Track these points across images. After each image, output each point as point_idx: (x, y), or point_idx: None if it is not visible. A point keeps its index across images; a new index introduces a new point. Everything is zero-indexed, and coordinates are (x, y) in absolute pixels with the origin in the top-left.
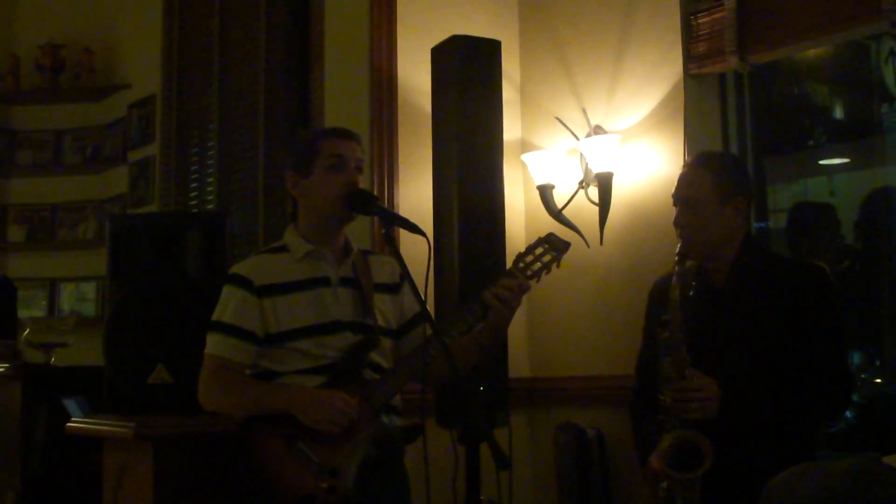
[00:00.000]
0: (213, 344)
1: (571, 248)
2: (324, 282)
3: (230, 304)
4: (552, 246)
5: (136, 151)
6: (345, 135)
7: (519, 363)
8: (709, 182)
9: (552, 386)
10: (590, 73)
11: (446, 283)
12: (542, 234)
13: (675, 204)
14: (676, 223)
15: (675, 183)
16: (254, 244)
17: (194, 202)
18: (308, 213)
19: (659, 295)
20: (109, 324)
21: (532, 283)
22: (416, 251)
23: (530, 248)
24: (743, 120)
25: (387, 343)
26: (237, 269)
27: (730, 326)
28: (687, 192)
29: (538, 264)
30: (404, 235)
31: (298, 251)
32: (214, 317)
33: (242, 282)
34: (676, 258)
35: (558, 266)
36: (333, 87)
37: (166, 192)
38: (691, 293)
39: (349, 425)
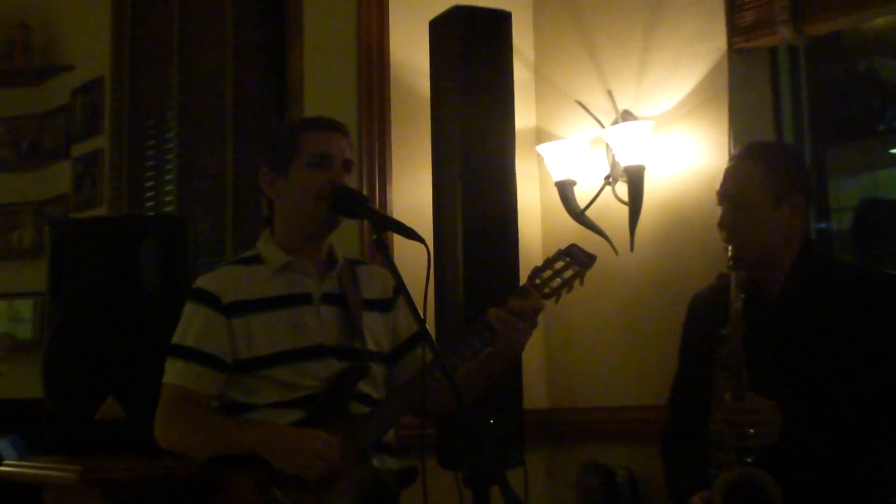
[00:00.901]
0: (173, 372)
1: (598, 256)
2: (304, 299)
3: (193, 325)
4: (574, 259)
5: (80, 145)
6: (330, 126)
7: (535, 392)
8: (761, 177)
9: (574, 419)
10: (616, 48)
11: (448, 299)
12: (563, 243)
13: (720, 203)
14: (722, 226)
15: (721, 178)
16: (221, 254)
17: (150, 204)
18: (286, 217)
19: (700, 310)
20: (49, 348)
21: (549, 302)
22: (412, 260)
23: (549, 262)
24: (798, 103)
25: (378, 370)
26: (201, 282)
27: (786, 346)
28: (735, 190)
29: (557, 281)
30: (399, 242)
31: (274, 262)
32: (174, 340)
33: (207, 298)
34: (731, 263)
35: (581, 283)
36: (315, 69)
37: (117, 192)
38: (740, 304)
39: (330, 470)
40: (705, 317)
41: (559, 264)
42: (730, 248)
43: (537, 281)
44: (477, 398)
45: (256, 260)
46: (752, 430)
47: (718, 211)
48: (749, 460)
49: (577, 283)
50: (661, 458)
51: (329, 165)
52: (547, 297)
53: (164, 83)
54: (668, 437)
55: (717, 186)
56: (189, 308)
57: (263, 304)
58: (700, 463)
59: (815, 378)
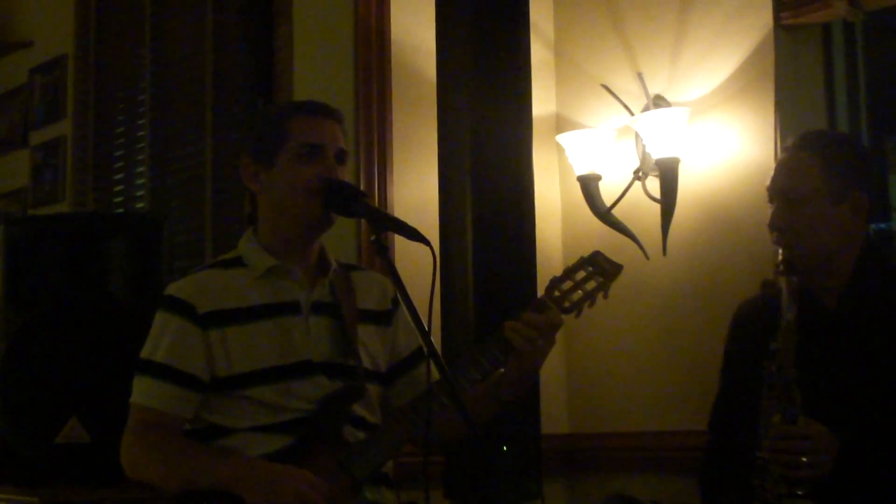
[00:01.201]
0: (141, 391)
1: (625, 262)
2: (291, 308)
3: (164, 338)
4: (598, 269)
5: (40, 132)
6: (322, 112)
7: (555, 416)
8: (818, 171)
9: (598, 445)
10: (648, 25)
11: (456, 309)
12: (586, 245)
13: (770, 200)
14: (773, 226)
15: (770, 172)
16: (199, 256)
17: (119, 200)
18: (271, 215)
19: (746, 323)
20: (3, 362)
21: (569, 317)
22: (416, 265)
23: (569, 272)
24: (855, 86)
25: (374, 391)
26: (174, 289)
27: (844, 364)
28: (789, 185)
29: (578, 293)
30: (401, 244)
31: (258, 267)
32: (143, 354)
33: (180, 307)
34: (780, 268)
35: (606, 296)
36: (305, 48)
37: (81, 186)
38: (792, 315)
39: None
40: (752, 331)
41: (581, 274)
42: (780, 251)
43: (556, 293)
44: (485, 426)
45: (237, 263)
46: (804, 459)
47: (765, 209)
48: (800, 493)
49: (600, 296)
50: (699, 489)
51: (321, 157)
52: (566, 311)
53: (135, 62)
54: (707, 466)
55: (762, 181)
56: (160, 318)
57: (244, 314)
58: (744, 495)
59: (876, 400)
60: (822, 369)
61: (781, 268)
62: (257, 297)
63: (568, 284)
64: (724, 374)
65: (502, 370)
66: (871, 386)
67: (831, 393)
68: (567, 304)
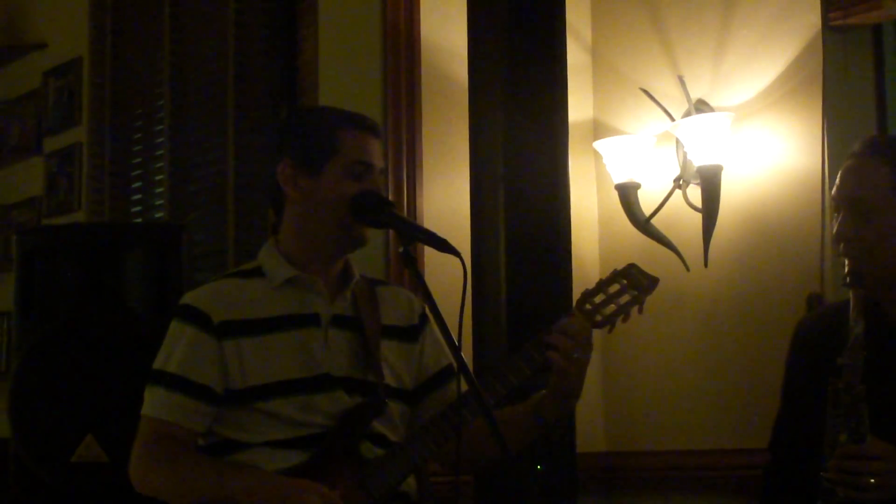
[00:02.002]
0: (153, 403)
1: (665, 273)
2: (311, 320)
3: (178, 348)
4: (633, 283)
5: (54, 138)
6: (370, 128)
7: (591, 434)
8: (887, 178)
9: (635, 464)
10: (689, 26)
11: (488, 323)
12: (624, 255)
13: (836, 209)
14: (840, 236)
15: (838, 180)
16: (221, 267)
17: (137, 210)
18: (302, 224)
19: (808, 339)
20: (17, 379)
21: (602, 331)
22: (446, 277)
23: (602, 285)
24: None
25: (395, 409)
26: (190, 298)
27: None
28: (856, 194)
29: (612, 307)
30: (431, 255)
31: (277, 277)
32: (156, 365)
33: (195, 316)
34: (847, 280)
35: (640, 311)
36: (331, 50)
37: (98, 195)
38: (861, 329)
39: None
40: (814, 346)
41: (614, 287)
42: (847, 262)
43: (587, 306)
44: (522, 448)
45: (256, 273)
46: (871, 480)
47: (810, 218)
48: None
49: (634, 310)
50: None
51: (369, 175)
52: (598, 325)
53: (153, 65)
54: (769, 488)
55: (809, 189)
56: (174, 328)
57: (261, 325)
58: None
59: None
60: (889, 386)
61: (848, 280)
62: (275, 308)
63: (600, 297)
64: (785, 392)
65: (544, 392)
66: None
67: None
68: (599, 319)
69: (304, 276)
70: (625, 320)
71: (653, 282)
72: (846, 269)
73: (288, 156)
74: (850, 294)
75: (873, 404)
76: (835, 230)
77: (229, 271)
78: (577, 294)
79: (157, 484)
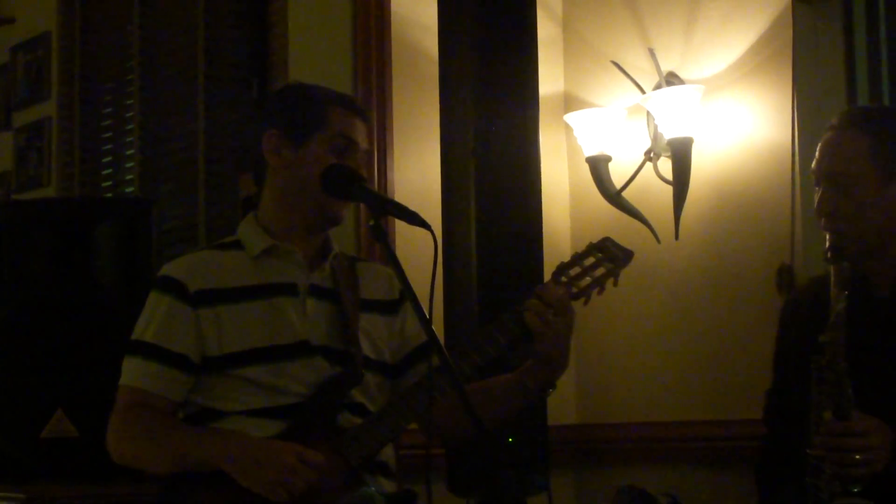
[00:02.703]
0: (130, 372)
1: (636, 246)
2: (287, 289)
3: (154, 318)
4: (608, 255)
5: (23, 112)
6: (360, 111)
7: (563, 406)
8: (867, 150)
9: (607, 436)
10: (660, 0)
11: (459, 297)
12: (595, 228)
13: (817, 183)
14: (821, 211)
15: (817, 154)
16: (192, 242)
17: (108, 184)
18: (283, 195)
19: (797, 313)
20: None
21: (577, 303)
22: (417, 251)
23: (577, 258)
24: (877, 65)
25: (374, 380)
26: (168, 269)
27: None
28: (835, 167)
29: (587, 280)
30: (402, 229)
31: (255, 247)
32: (134, 335)
33: (172, 285)
34: (829, 255)
35: (616, 283)
36: (301, 24)
37: (67, 170)
38: (843, 305)
39: (309, 491)
40: (803, 320)
41: (590, 260)
42: (828, 237)
43: (563, 279)
44: (508, 418)
45: (235, 246)
46: (857, 456)
47: (780, 191)
48: (855, 490)
49: (610, 282)
50: (756, 484)
51: (352, 152)
52: (574, 297)
53: (123, 40)
54: (764, 461)
55: (779, 162)
56: (152, 298)
57: (238, 293)
58: (801, 492)
59: None
60: (875, 360)
61: (830, 255)
62: (253, 277)
63: (576, 270)
64: (777, 366)
65: (530, 362)
66: None
67: (885, 385)
68: (575, 291)
69: (281, 246)
70: (600, 293)
71: (628, 255)
72: (827, 244)
73: (274, 126)
74: (832, 269)
75: (858, 379)
76: (816, 205)
77: (207, 245)
78: (548, 266)
79: (134, 452)
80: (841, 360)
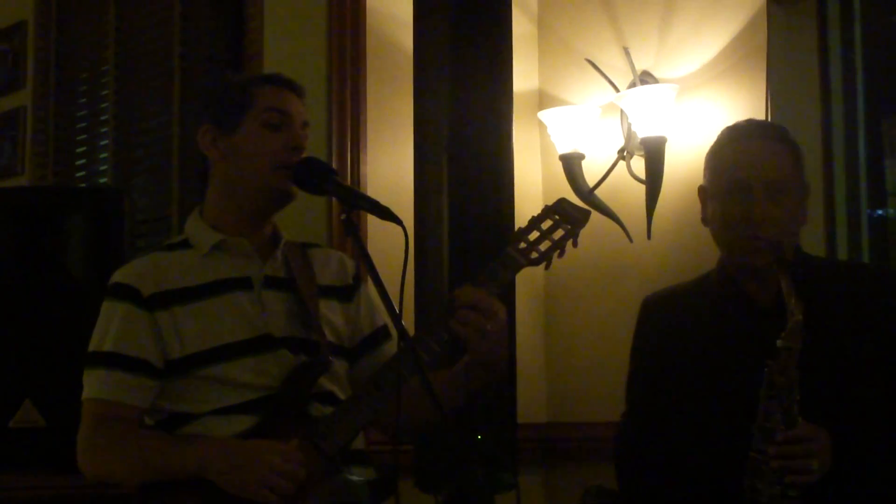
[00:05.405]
0: (93, 384)
1: (608, 245)
2: (241, 284)
3: (111, 327)
4: (565, 217)
5: None
6: (288, 85)
7: (532, 404)
8: (793, 163)
9: (578, 435)
10: None
11: (430, 292)
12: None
13: (745, 191)
14: (761, 218)
15: (744, 162)
16: (165, 233)
17: (82, 174)
18: (226, 186)
19: (661, 320)
20: None
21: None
22: (388, 245)
23: (534, 222)
24: (851, 65)
25: (340, 366)
26: (118, 276)
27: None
28: (773, 175)
29: (546, 243)
30: (373, 223)
31: (203, 244)
32: (91, 347)
33: (124, 292)
34: (776, 265)
35: (575, 244)
36: (276, 16)
37: (41, 159)
38: (798, 317)
39: (294, 489)
40: (665, 327)
41: (547, 223)
42: (762, 244)
43: (521, 245)
44: (454, 415)
45: (183, 245)
46: (814, 465)
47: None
48: (792, 494)
49: (569, 244)
50: (619, 476)
51: (288, 126)
52: (534, 262)
53: (99, 30)
54: (626, 455)
55: None
56: (106, 307)
57: (192, 292)
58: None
59: (842, 395)
60: (757, 372)
61: (777, 266)
62: (205, 275)
63: (534, 235)
64: (637, 366)
65: (466, 359)
66: (832, 381)
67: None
68: (535, 256)
69: (230, 240)
70: (560, 255)
71: (585, 214)
72: (768, 253)
73: (205, 121)
74: (781, 278)
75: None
76: (751, 212)
77: (155, 247)
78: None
79: (108, 467)
80: (794, 367)
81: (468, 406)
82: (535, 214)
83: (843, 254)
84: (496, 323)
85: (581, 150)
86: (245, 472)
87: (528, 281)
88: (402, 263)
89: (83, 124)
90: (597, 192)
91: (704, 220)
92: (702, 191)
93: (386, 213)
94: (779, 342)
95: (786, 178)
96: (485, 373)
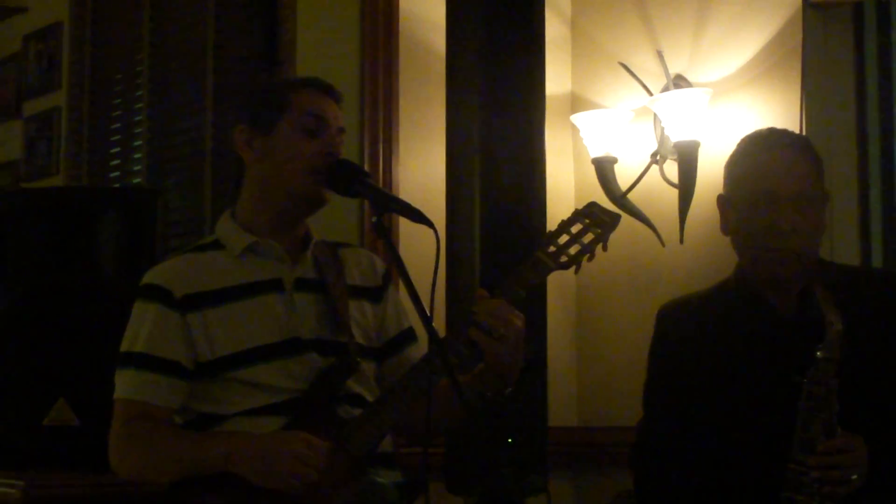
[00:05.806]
0: (125, 384)
1: (640, 249)
2: (273, 286)
3: (143, 327)
4: (595, 221)
5: (34, 101)
6: (325, 88)
7: (563, 408)
8: (816, 174)
9: (608, 439)
10: (669, 2)
11: (461, 295)
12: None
13: (774, 201)
14: (793, 229)
15: (771, 173)
16: (198, 233)
17: (116, 175)
18: (260, 188)
19: (677, 326)
20: None
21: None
22: (420, 248)
23: (564, 226)
24: (887, 68)
25: (369, 368)
26: (150, 276)
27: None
28: (801, 187)
29: (576, 247)
30: (405, 226)
31: (235, 246)
32: (123, 347)
33: (157, 293)
34: (802, 268)
35: (605, 248)
36: (310, 20)
37: (76, 159)
38: (838, 327)
39: (319, 480)
40: (683, 336)
41: (577, 227)
42: (789, 256)
43: (551, 249)
44: (459, 422)
45: (214, 246)
46: (854, 476)
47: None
48: None
49: (599, 248)
50: (638, 482)
51: (324, 131)
52: (563, 266)
53: (133, 31)
54: (648, 458)
55: None
56: (138, 308)
57: (224, 294)
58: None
59: (875, 405)
60: (783, 381)
61: (810, 277)
62: (237, 277)
63: (564, 238)
64: (657, 377)
65: (481, 367)
66: (852, 386)
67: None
68: (564, 259)
69: (262, 243)
70: (590, 259)
71: (615, 218)
72: (795, 264)
73: (242, 121)
74: (816, 288)
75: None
76: (776, 222)
77: (186, 248)
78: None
79: (138, 465)
80: (833, 377)
81: (483, 411)
82: (565, 218)
83: (877, 261)
84: (512, 330)
85: (614, 154)
86: (268, 461)
87: (559, 285)
88: (434, 266)
89: (117, 125)
90: (629, 196)
91: (724, 230)
92: (721, 200)
93: (418, 216)
94: (818, 353)
95: (811, 189)
96: (498, 380)
